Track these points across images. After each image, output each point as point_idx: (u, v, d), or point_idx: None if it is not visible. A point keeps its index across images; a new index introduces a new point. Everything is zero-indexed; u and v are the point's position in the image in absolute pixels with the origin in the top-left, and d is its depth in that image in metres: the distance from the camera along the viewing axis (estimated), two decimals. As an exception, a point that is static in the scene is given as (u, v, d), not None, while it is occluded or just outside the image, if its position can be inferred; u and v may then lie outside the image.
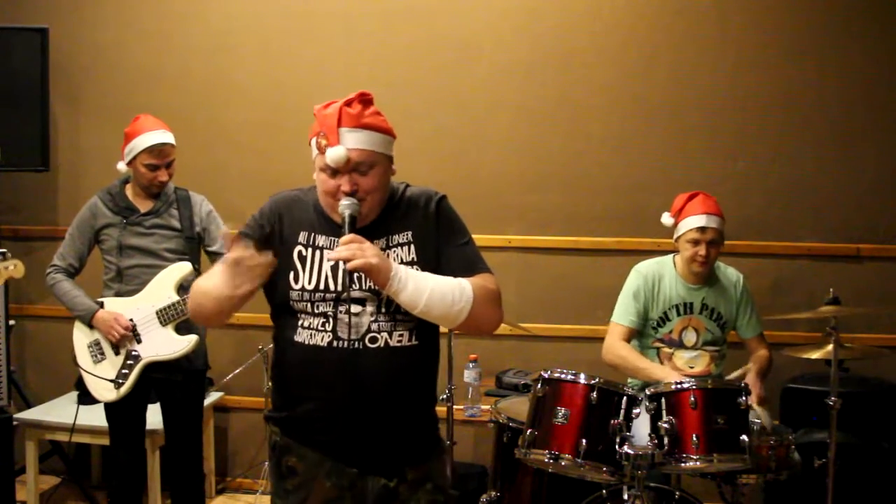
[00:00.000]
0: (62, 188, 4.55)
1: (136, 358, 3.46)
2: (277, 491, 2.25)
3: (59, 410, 4.09)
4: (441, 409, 3.45)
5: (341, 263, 2.12)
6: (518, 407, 3.35)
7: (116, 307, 3.48)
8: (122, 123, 3.58)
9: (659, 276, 3.55)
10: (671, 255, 3.62)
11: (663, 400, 2.92)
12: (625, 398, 2.91)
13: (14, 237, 4.55)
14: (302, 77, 4.32)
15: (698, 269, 3.48)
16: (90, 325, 3.48)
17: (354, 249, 2.02)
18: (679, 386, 2.93)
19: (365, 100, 2.17)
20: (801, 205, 4.09)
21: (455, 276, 2.16)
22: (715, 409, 2.87)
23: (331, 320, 2.13)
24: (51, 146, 4.32)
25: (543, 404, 2.93)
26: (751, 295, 3.62)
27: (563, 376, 2.93)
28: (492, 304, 2.20)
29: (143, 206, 3.53)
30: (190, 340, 3.45)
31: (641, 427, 2.93)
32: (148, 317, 3.46)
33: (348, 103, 2.14)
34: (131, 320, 3.46)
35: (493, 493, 3.33)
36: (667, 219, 3.58)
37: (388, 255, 2.15)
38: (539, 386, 2.95)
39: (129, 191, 3.56)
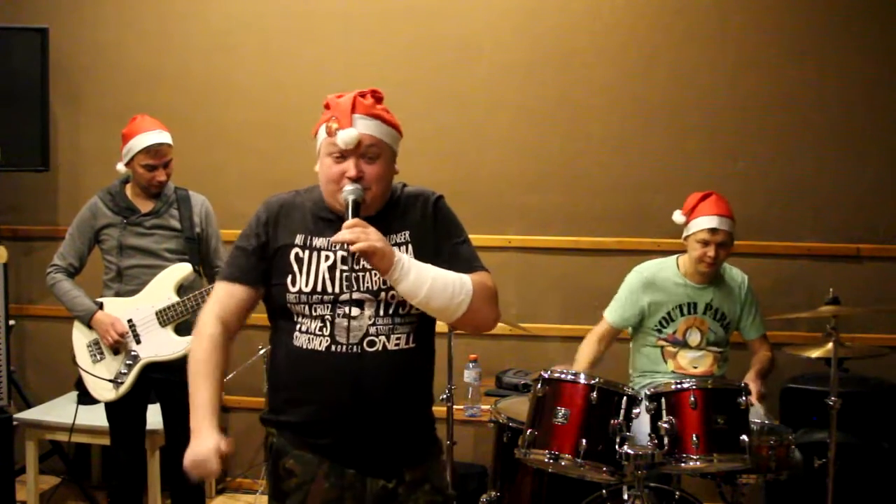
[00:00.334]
0: (62, 188, 4.56)
1: (136, 358, 3.46)
2: (275, 493, 2.24)
3: (59, 410, 4.09)
4: (441, 409, 3.47)
5: (339, 264, 2.13)
6: (518, 407, 3.35)
7: (116, 307, 3.48)
8: (122, 123, 3.58)
9: (660, 276, 3.55)
10: (674, 256, 3.62)
11: (663, 400, 2.93)
12: (625, 398, 2.91)
13: (14, 237, 4.55)
14: (302, 77, 4.32)
15: (705, 269, 3.48)
16: (89, 326, 3.48)
17: (359, 233, 2.03)
18: (679, 386, 2.93)
19: (377, 96, 2.21)
20: (801, 205, 4.09)
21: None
22: (715, 409, 2.88)
23: (328, 325, 2.13)
24: (51, 146, 4.32)
25: (543, 404, 2.93)
26: (755, 296, 3.62)
27: (563, 376, 2.94)
28: (490, 301, 2.20)
29: (144, 206, 3.53)
30: (189, 341, 3.45)
31: (641, 427, 2.93)
32: (147, 317, 3.47)
33: (362, 95, 2.17)
34: (130, 320, 3.47)
35: (493, 493, 3.33)
36: (678, 217, 3.57)
37: None
38: (539, 386, 2.96)
39: (129, 191, 3.56)
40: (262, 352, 3.92)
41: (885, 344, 3.87)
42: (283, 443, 2.21)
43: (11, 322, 4.18)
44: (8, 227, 4.56)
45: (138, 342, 3.47)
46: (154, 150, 3.45)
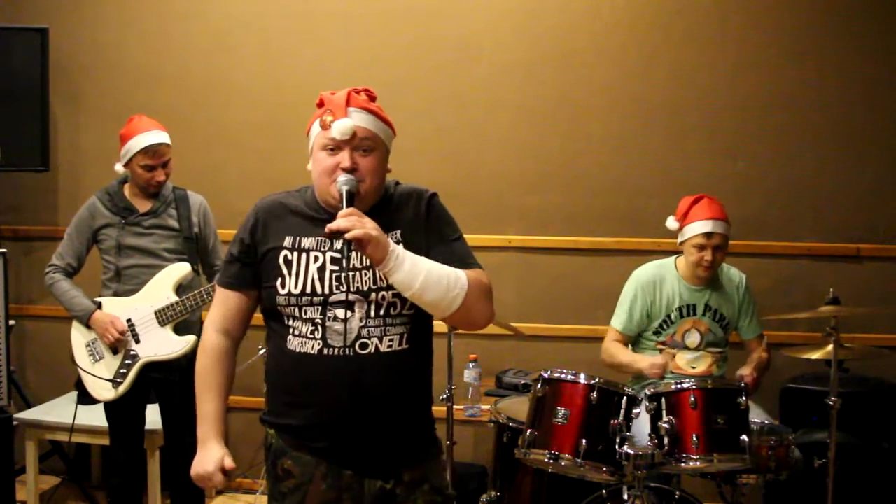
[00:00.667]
0: (62, 188, 4.55)
1: (135, 358, 3.46)
2: (273, 493, 2.24)
3: (59, 410, 4.09)
4: (441, 409, 3.47)
5: (329, 264, 2.13)
6: (518, 407, 3.35)
7: (115, 307, 3.48)
8: (122, 123, 3.58)
9: (660, 279, 3.55)
10: (672, 258, 3.62)
11: (663, 400, 2.93)
12: (625, 398, 2.91)
13: (14, 237, 4.55)
14: (302, 77, 4.32)
15: (703, 273, 3.48)
16: (87, 326, 3.48)
17: (354, 220, 2.01)
18: (679, 386, 2.93)
19: (370, 94, 2.22)
20: (801, 205, 4.09)
21: None
22: (715, 409, 2.88)
23: (320, 328, 2.12)
24: (51, 146, 4.32)
25: (543, 404, 2.93)
26: (753, 296, 3.62)
27: (563, 376, 2.94)
28: (485, 297, 2.18)
29: (142, 206, 3.53)
30: (188, 341, 3.46)
31: (641, 427, 2.93)
32: (146, 317, 3.47)
33: (356, 91, 2.18)
34: (129, 320, 3.47)
35: (493, 493, 3.33)
36: (671, 223, 3.58)
37: None
38: (539, 386, 2.96)
39: (127, 191, 3.56)
40: (262, 352, 3.92)
41: (885, 344, 3.87)
42: (282, 444, 2.21)
43: (11, 322, 4.17)
44: (8, 227, 4.56)
45: (137, 342, 3.47)
46: (152, 151, 3.45)
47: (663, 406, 2.92)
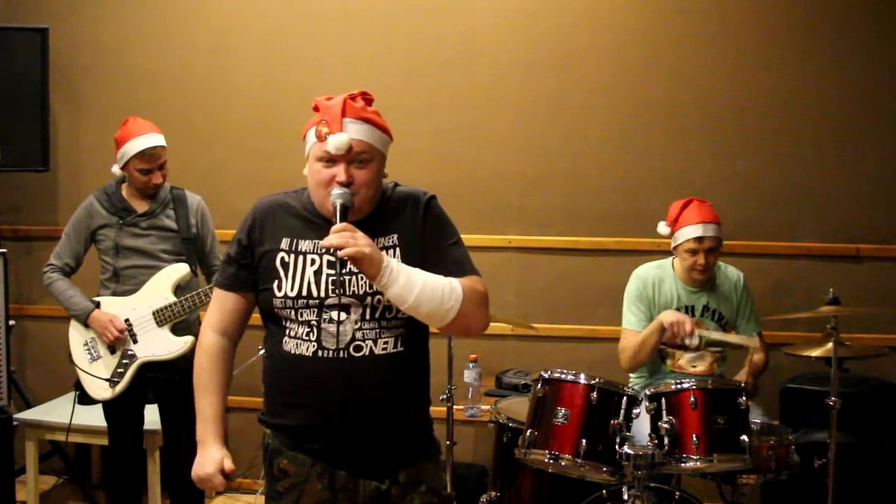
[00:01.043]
0: (62, 188, 4.56)
1: (132, 357, 3.46)
2: (270, 493, 2.25)
3: (59, 410, 4.09)
4: (441, 409, 3.47)
5: (326, 269, 2.12)
6: (518, 407, 3.35)
7: (113, 306, 3.48)
8: (121, 123, 3.58)
9: (659, 279, 3.54)
10: (670, 258, 3.62)
11: (663, 400, 2.93)
12: (625, 398, 2.91)
13: (14, 237, 4.55)
14: (302, 77, 4.32)
15: (698, 276, 3.48)
16: (86, 325, 3.48)
17: (347, 237, 2.01)
18: (679, 386, 2.93)
19: (367, 98, 2.19)
20: (801, 205, 4.09)
21: (444, 276, 2.15)
22: (715, 409, 2.88)
23: (315, 330, 2.12)
24: (51, 146, 4.32)
25: (543, 404, 2.93)
26: (751, 294, 3.62)
27: (563, 376, 2.94)
28: (480, 306, 2.18)
29: (140, 206, 3.53)
30: (186, 342, 3.45)
31: (641, 427, 2.93)
32: (144, 317, 3.47)
33: (352, 97, 2.15)
34: (127, 320, 3.47)
35: (493, 493, 3.33)
36: (663, 228, 3.57)
37: None
38: (539, 386, 2.96)
39: (124, 191, 3.55)
40: (261, 352, 3.91)
41: (885, 344, 3.87)
42: (278, 443, 2.22)
43: (11, 322, 4.18)
44: (8, 227, 4.56)
45: (135, 341, 3.47)
46: (148, 155, 3.44)
47: (663, 406, 2.92)
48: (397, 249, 2.17)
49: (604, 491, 3.03)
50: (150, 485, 3.89)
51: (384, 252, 2.12)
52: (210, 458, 2.22)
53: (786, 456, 3.10)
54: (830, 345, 3.21)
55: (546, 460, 2.87)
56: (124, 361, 3.47)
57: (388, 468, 2.18)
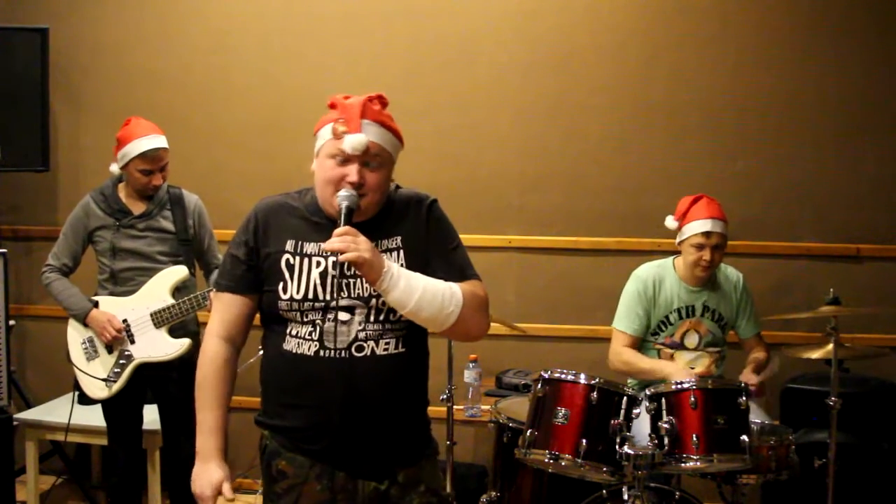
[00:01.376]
0: (62, 188, 4.55)
1: (129, 358, 3.47)
2: (268, 494, 2.24)
3: (59, 410, 4.09)
4: (441, 409, 3.47)
5: (330, 269, 2.12)
6: (518, 407, 3.35)
7: (111, 306, 3.48)
8: (122, 123, 3.58)
9: (659, 279, 3.54)
10: (671, 258, 3.62)
11: (663, 400, 2.92)
12: (625, 398, 2.91)
13: (14, 237, 4.55)
14: (302, 77, 4.32)
15: (702, 273, 3.47)
16: (84, 324, 3.48)
17: (348, 242, 2.01)
18: (679, 386, 2.93)
19: (383, 101, 2.19)
20: (801, 205, 4.09)
21: (444, 281, 2.15)
22: (715, 409, 2.87)
23: (318, 329, 2.12)
24: (51, 146, 4.32)
25: (543, 404, 2.93)
26: (750, 295, 3.62)
27: (563, 376, 2.93)
28: (480, 311, 2.18)
29: (136, 207, 3.52)
30: (183, 344, 3.45)
31: (641, 427, 2.93)
32: (142, 318, 3.47)
33: (370, 99, 2.15)
34: (125, 321, 3.47)
35: (493, 493, 3.33)
36: (670, 222, 3.57)
37: None
38: (539, 386, 2.95)
39: (121, 192, 3.55)
40: (261, 352, 3.91)
41: (886, 344, 3.88)
42: (276, 445, 2.21)
43: (11, 322, 4.17)
44: (8, 227, 4.56)
45: (132, 342, 3.47)
46: (151, 156, 3.44)
47: (663, 406, 2.92)
48: (401, 251, 2.17)
49: (604, 491, 3.03)
50: (150, 485, 3.89)
51: (387, 254, 2.13)
52: (208, 479, 2.20)
53: (786, 456, 3.10)
54: (830, 346, 3.21)
55: (546, 460, 2.87)
56: (121, 362, 3.47)
57: (388, 468, 2.18)
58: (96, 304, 3.49)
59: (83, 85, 4.52)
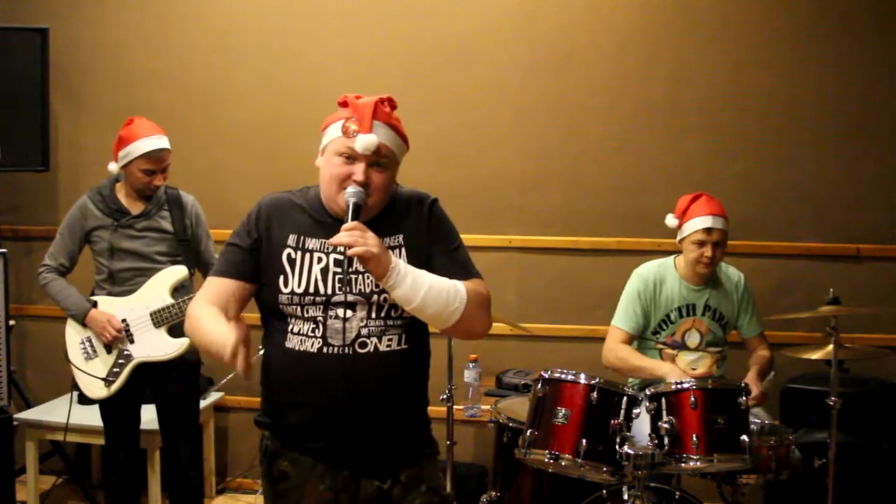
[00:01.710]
0: (62, 188, 4.55)
1: (128, 357, 3.46)
2: (270, 495, 2.24)
3: (59, 410, 4.08)
4: (441, 409, 3.47)
5: (332, 266, 2.12)
6: (518, 407, 3.35)
7: (110, 306, 3.48)
8: (121, 123, 3.57)
9: (660, 278, 3.54)
10: (672, 257, 3.62)
11: (663, 400, 2.92)
12: (625, 398, 2.91)
13: (14, 237, 4.55)
14: (302, 77, 4.32)
15: (703, 270, 3.47)
16: (83, 324, 3.48)
17: (357, 236, 2.02)
18: (679, 386, 2.93)
19: (393, 104, 2.21)
20: (801, 205, 4.09)
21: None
22: (715, 409, 2.87)
23: (320, 326, 2.12)
24: (51, 146, 4.32)
25: (543, 404, 2.93)
26: (752, 294, 3.62)
27: (563, 376, 2.93)
28: (483, 308, 2.20)
29: (134, 207, 3.52)
30: (182, 343, 3.45)
31: (642, 427, 2.93)
32: (142, 318, 3.46)
33: (381, 101, 2.17)
34: (124, 320, 3.46)
35: (493, 493, 3.33)
36: (671, 220, 3.57)
37: None
38: (539, 386, 2.95)
39: (119, 192, 3.54)
40: (261, 352, 3.91)
41: (886, 344, 3.88)
42: (278, 445, 2.21)
43: (11, 322, 4.17)
44: (8, 227, 4.56)
45: (131, 342, 3.47)
46: (154, 157, 3.44)
47: (663, 406, 2.92)
48: (403, 250, 2.18)
49: (604, 491, 3.03)
50: (150, 485, 3.88)
51: (391, 252, 2.13)
52: (225, 336, 1.97)
53: (786, 456, 3.10)
54: (830, 346, 3.21)
55: (546, 460, 2.87)
56: (120, 361, 3.47)
57: (391, 468, 2.19)
58: (95, 304, 3.49)
59: (83, 85, 4.52)
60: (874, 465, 3.63)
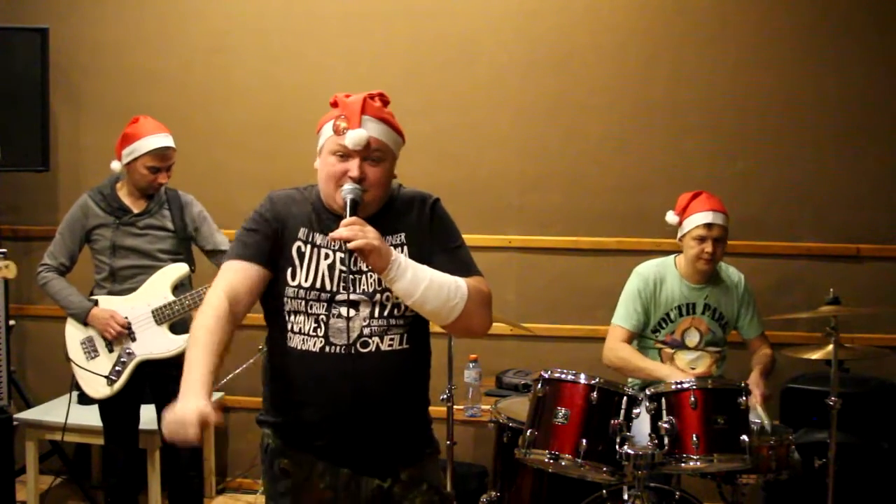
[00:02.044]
0: (62, 188, 4.55)
1: (130, 355, 3.47)
2: (271, 493, 2.24)
3: (59, 410, 4.07)
4: (441, 409, 3.47)
5: (339, 263, 2.13)
6: (518, 407, 3.35)
7: (111, 305, 3.48)
8: (121, 123, 3.58)
9: (661, 277, 3.54)
10: (672, 256, 3.62)
11: (663, 400, 2.92)
12: (625, 398, 2.91)
13: (14, 237, 4.55)
14: (302, 77, 4.32)
15: (703, 266, 3.47)
16: (84, 323, 3.48)
17: (356, 230, 2.03)
18: (679, 386, 2.93)
19: (384, 99, 2.22)
20: (801, 205, 4.09)
21: None
22: (715, 409, 2.87)
23: (322, 325, 2.13)
24: (51, 146, 4.32)
25: (543, 404, 2.93)
26: (752, 295, 3.62)
27: (563, 376, 2.94)
28: (484, 306, 2.20)
29: (136, 206, 3.53)
30: (185, 340, 3.46)
31: (642, 427, 2.93)
32: (143, 315, 3.47)
33: (371, 97, 2.18)
34: (126, 318, 3.47)
35: (493, 493, 3.32)
36: (671, 217, 3.57)
37: None
38: (539, 386, 2.96)
39: (120, 191, 3.56)
40: (262, 351, 3.92)
41: (886, 344, 3.88)
42: (279, 443, 2.21)
43: (11, 322, 4.18)
44: (8, 227, 4.56)
45: (133, 340, 3.48)
46: (160, 154, 3.46)
47: (663, 406, 2.92)
48: (404, 248, 2.18)
49: (604, 491, 3.03)
50: (150, 485, 3.88)
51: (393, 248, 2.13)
52: (188, 405, 1.85)
53: (786, 456, 3.10)
54: (830, 346, 3.21)
55: (546, 460, 2.87)
56: (122, 360, 3.47)
57: (392, 466, 2.19)
58: (96, 304, 3.49)
59: (83, 85, 4.52)
60: (874, 465, 3.63)
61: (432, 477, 2.26)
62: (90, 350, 3.51)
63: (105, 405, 3.56)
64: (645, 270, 3.57)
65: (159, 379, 3.54)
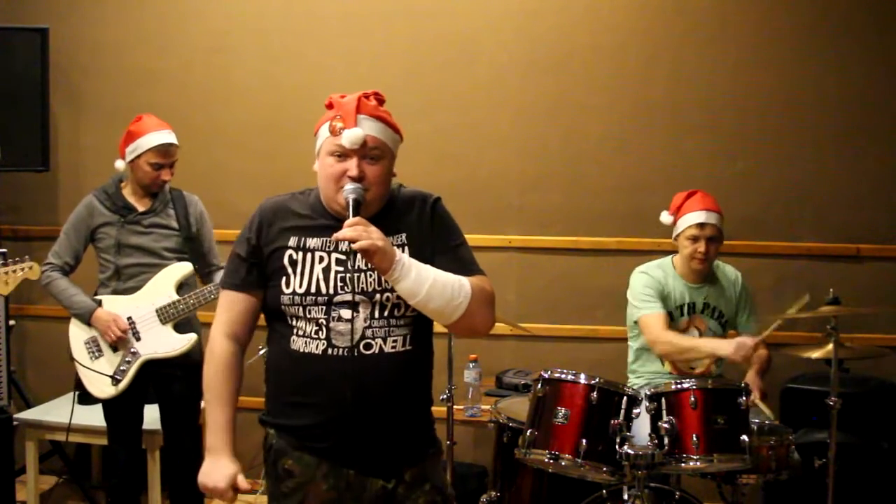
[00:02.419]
0: (62, 188, 4.55)
1: (135, 355, 3.47)
2: (274, 493, 2.24)
3: (59, 410, 4.08)
4: (441, 409, 3.47)
5: (334, 265, 2.13)
6: (518, 407, 3.35)
7: (116, 305, 3.48)
8: (121, 123, 3.58)
9: (660, 277, 3.54)
10: (669, 257, 3.62)
11: (663, 400, 2.93)
12: (625, 398, 2.91)
13: (14, 237, 4.55)
14: (302, 77, 4.32)
15: (697, 266, 3.47)
16: (88, 324, 3.48)
17: (360, 230, 2.03)
18: (679, 386, 2.93)
19: (379, 98, 2.22)
20: (801, 205, 4.09)
21: None
22: (715, 409, 2.88)
23: (324, 328, 2.13)
24: (51, 146, 4.32)
25: (543, 404, 2.93)
26: (749, 293, 3.62)
27: (563, 376, 2.94)
28: (487, 305, 2.20)
29: (141, 204, 3.54)
30: (189, 339, 3.46)
31: (641, 427, 2.93)
32: (147, 315, 3.47)
33: (366, 96, 2.18)
34: (130, 318, 3.47)
35: (493, 493, 3.33)
36: (665, 217, 3.58)
37: None
38: (539, 386, 2.96)
39: (125, 190, 3.56)
40: (262, 352, 3.91)
41: (886, 344, 3.87)
42: (282, 444, 2.21)
43: (11, 322, 4.18)
44: (8, 227, 4.56)
45: (138, 339, 3.48)
46: (163, 150, 3.47)
47: (663, 406, 2.92)
48: (406, 248, 2.18)
49: (604, 491, 3.04)
50: (150, 485, 3.88)
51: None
52: (221, 471, 2.20)
53: (786, 456, 3.10)
54: (830, 346, 3.21)
55: (546, 460, 2.87)
56: (127, 359, 3.47)
57: (395, 467, 2.19)
58: (99, 304, 3.49)
59: (83, 85, 4.52)
60: (874, 465, 3.63)
61: (435, 477, 2.26)
62: (94, 350, 3.51)
63: (109, 405, 3.56)
64: (647, 269, 3.57)
65: (163, 379, 3.54)
